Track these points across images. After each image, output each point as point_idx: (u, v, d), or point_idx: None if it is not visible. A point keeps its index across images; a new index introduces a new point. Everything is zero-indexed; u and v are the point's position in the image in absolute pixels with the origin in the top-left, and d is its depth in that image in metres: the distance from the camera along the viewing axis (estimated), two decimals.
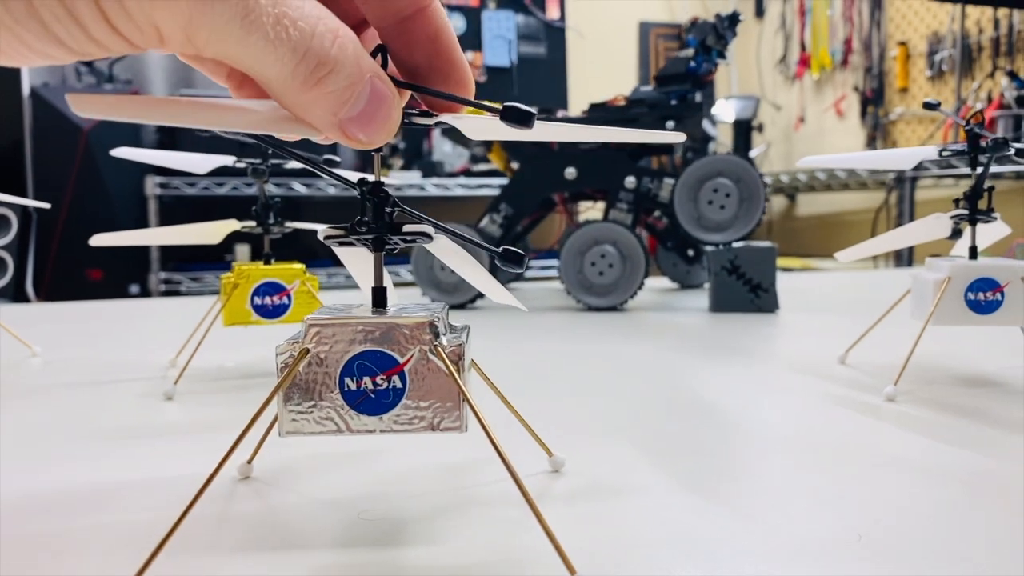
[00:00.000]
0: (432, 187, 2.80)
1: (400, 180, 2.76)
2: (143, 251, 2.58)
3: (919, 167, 2.48)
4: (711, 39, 1.04)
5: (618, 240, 1.01)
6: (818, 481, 0.38)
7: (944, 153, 0.61)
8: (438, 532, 0.33)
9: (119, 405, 0.55)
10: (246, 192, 2.57)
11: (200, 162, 0.63)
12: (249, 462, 0.39)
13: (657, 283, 1.32)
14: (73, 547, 0.32)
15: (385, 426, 0.30)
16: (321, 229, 0.30)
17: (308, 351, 0.29)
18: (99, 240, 0.63)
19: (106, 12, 0.19)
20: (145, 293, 2.58)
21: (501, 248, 0.30)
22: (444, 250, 0.32)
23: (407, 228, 0.30)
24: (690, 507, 0.35)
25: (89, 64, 2.61)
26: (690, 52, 1.05)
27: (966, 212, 0.60)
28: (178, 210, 2.60)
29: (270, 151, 0.63)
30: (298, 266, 0.63)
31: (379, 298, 0.31)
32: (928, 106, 0.64)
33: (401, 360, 0.29)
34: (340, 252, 0.33)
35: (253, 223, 0.64)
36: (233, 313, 0.61)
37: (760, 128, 3.24)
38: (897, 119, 2.99)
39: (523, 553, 0.31)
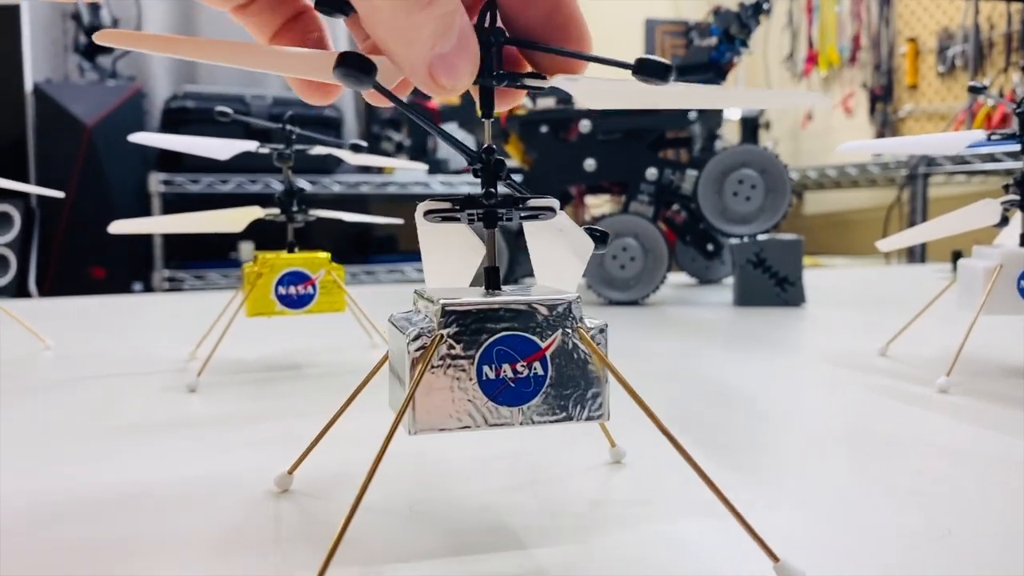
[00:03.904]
0: (439, 184, 2.78)
1: (409, 173, 2.74)
2: (147, 248, 2.56)
3: (931, 163, 2.46)
4: (734, 28, 1.01)
5: (640, 233, 0.98)
6: (888, 475, 0.36)
7: (993, 137, 0.59)
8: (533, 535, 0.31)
9: (141, 399, 0.53)
10: (250, 189, 2.55)
11: (221, 147, 0.61)
12: (290, 472, 0.35)
13: (675, 278, 1.30)
14: (120, 550, 0.29)
15: (525, 418, 0.27)
16: (420, 205, 0.27)
17: (443, 337, 0.26)
18: (116, 228, 0.61)
19: None
20: (149, 291, 2.55)
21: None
22: (550, 231, 0.30)
23: (533, 202, 0.27)
24: (760, 502, 0.33)
25: (92, 60, 2.58)
26: (713, 41, 1.03)
27: (1017, 198, 0.58)
28: (182, 208, 2.57)
29: (294, 136, 0.61)
30: (323, 255, 0.61)
31: (493, 279, 0.28)
32: (974, 89, 0.62)
33: (543, 344, 0.27)
34: (425, 231, 0.29)
35: (277, 211, 0.61)
36: (257, 303, 0.59)
37: (767, 125, 3.21)
38: (906, 116, 2.97)
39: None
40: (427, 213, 0.27)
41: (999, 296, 0.56)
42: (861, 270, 1.75)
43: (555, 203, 0.28)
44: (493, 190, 0.27)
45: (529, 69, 0.28)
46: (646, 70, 0.24)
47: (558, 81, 0.26)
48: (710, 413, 0.48)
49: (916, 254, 2.49)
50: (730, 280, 1.21)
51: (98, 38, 0.24)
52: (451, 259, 0.31)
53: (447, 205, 0.27)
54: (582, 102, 0.26)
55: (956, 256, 1.37)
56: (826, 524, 0.31)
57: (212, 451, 0.41)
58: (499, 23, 0.27)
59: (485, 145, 0.27)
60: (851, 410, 0.49)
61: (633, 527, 0.30)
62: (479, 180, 0.27)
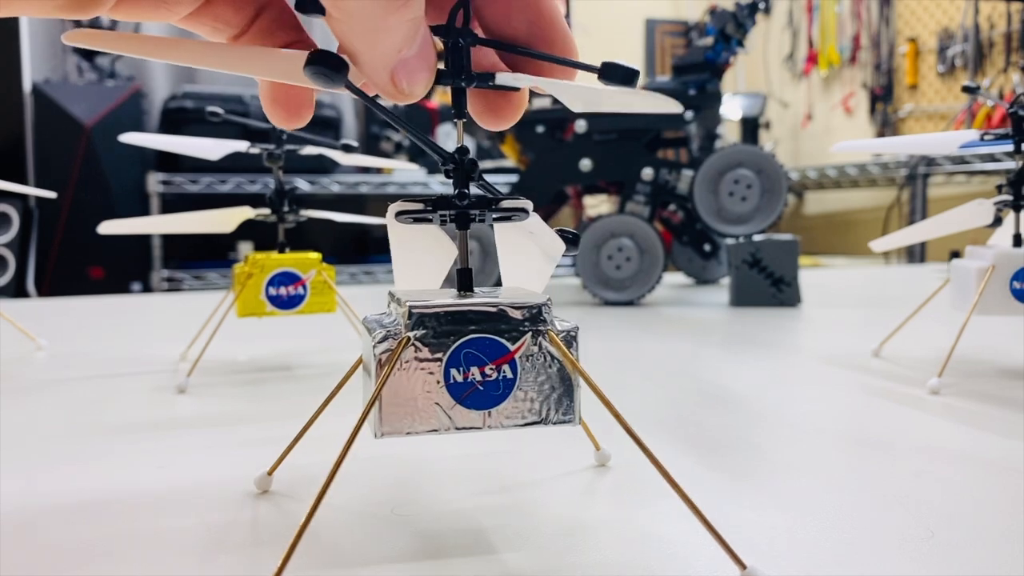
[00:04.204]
0: (438, 184, 2.78)
1: (408, 174, 2.73)
2: (145, 248, 2.56)
3: (931, 163, 2.46)
4: (730, 27, 1.01)
5: (635, 233, 0.98)
6: (877, 476, 0.36)
7: (987, 137, 0.59)
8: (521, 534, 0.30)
9: (130, 400, 0.53)
10: (249, 189, 2.55)
11: (212, 147, 0.61)
12: (270, 473, 0.34)
13: (672, 279, 1.30)
14: (102, 551, 0.29)
15: (493, 421, 0.26)
16: (392, 206, 0.27)
17: (410, 340, 0.26)
18: (107, 228, 0.60)
19: None
20: (147, 291, 2.55)
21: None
22: (520, 233, 0.29)
23: (506, 204, 0.27)
24: (748, 503, 0.33)
25: (90, 60, 2.58)
26: (709, 41, 1.03)
27: (1010, 198, 0.58)
28: (180, 207, 2.57)
29: (284, 136, 0.61)
30: (314, 255, 0.61)
31: (465, 281, 0.28)
32: (967, 89, 0.62)
33: (512, 347, 0.26)
34: (396, 231, 0.29)
35: (267, 211, 0.61)
36: (247, 304, 0.59)
37: (767, 125, 3.21)
38: (907, 116, 2.97)
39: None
40: (399, 214, 0.27)
41: (992, 297, 0.55)
42: (859, 270, 1.75)
43: (528, 204, 0.28)
44: (466, 191, 0.27)
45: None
46: (611, 75, 0.24)
47: (504, 79, 0.26)
48: (704, 414, 0.48)
49: (915, 254, 2.48)
50: (727, 280, 1.21)
51: (67, 39, 0.23)
52: (422, 260, 0.30)
53: (419, 206, 0.27)
54: (569, 106, 0.26)
55: (954, 256, 1.37)
56: (815, 525, 0.30)
57: (200, 452, 0.41)
58: (478, 30, 0.27)
59: (458, 146, 0.27)
60: (843, 411, 0.49)
61: (615, 530, 0.30)
62: (451, 181, 0.27)
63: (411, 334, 0.26)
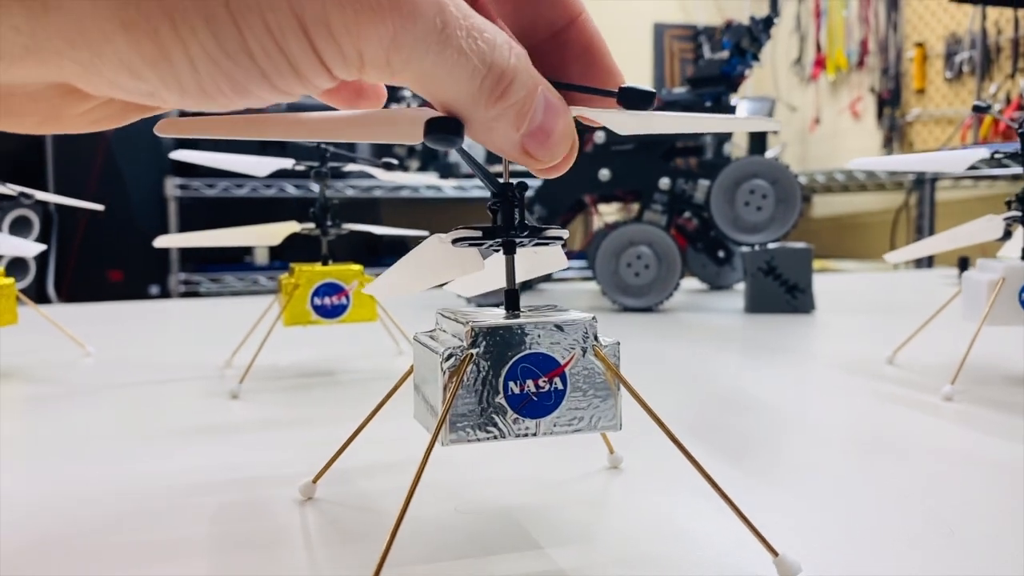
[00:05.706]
0: (450, 189, 2.81)
1: (418, 181, 2.76)
2: (163, 252, 2.59)
3: None
4: (745, 41, 1.04)
5: (653, 241, 1.01)
6: (895, 478, 0.39)
7: (996, 155, 0.62)
8: (570, 528, 0.33)
9: (188, 405, 0.56)
10: (264, 193, 2.58)
11: (259, 165, 0.64)
12: (315, 481, 0.37)
13: (686, 284, 1.33)
14: (187, 552, 0.32)
15: (546, 428, 0.29)
16: (452, 232, 0.30)
17: (472, 356, 0.28)
18: (161, 242, 0.64)
19: (313, 40, 0.19)
20: (165, 294, 2.59)
21: None
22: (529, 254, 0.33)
23: (549, 233, 0.31)
24: (769, 504, 0.36)
25: None
26: (724, 54, 1.06)
27: (1019, 214, 0.61)
28: (197, 211, 2.62)
29: (328, 153, 0.64)
30: (356, 267, 0.64)
31: (512, 301, 0.31)
32: (978, 109, 0.65)
33: (562, 361, 0.29)
34: (430, 245, 0.32)
35: (312, 225, 0.64)
36: (294, 314, 0.62)
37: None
38: (914, 120, 2.99)
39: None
40: (457, 240, 0.30)
41: (1001, 308, 0.58)
42: (869, 275, 1.77)
43: (566, 234, 0.31)
44: (520, 220, 0.30)
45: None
46: (628, 99, 0.26)
47: (596, 113, 0.28)
48: (722, 418, 0.51)
49: (923, 259, 2.51)
50: (741, 286, 1.24)
51: (159, 129, 0.24)
52: (428, 270, 0.33)
53: (478, 234, 0.30)
54: (618, 131, 0.29)
55: (962, 262, 1.40)
56: (838, 524, 0.33)
57: (266, 452, 0.44)
58: None
59: (504, 181, 0.30)
60: (861, 417, 0.52)
61: (647, 527, 0.33)
62: (497, 211, 0.30)
63: (473, 351, 0.28)
